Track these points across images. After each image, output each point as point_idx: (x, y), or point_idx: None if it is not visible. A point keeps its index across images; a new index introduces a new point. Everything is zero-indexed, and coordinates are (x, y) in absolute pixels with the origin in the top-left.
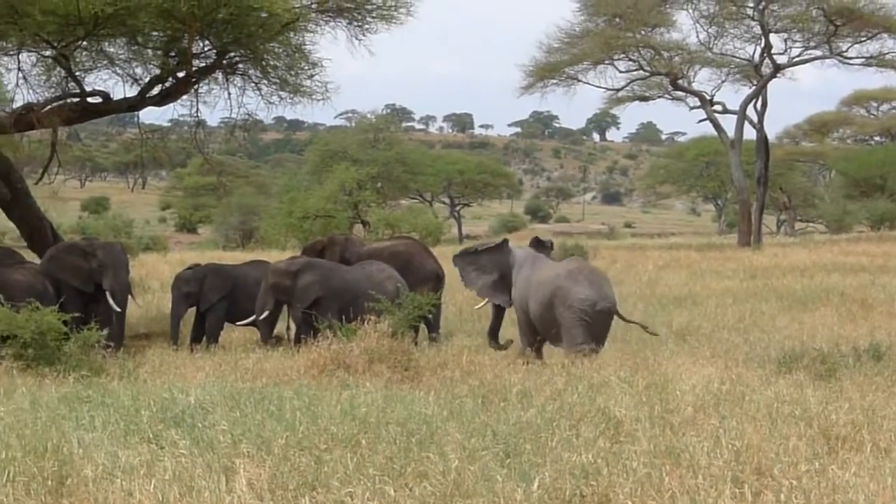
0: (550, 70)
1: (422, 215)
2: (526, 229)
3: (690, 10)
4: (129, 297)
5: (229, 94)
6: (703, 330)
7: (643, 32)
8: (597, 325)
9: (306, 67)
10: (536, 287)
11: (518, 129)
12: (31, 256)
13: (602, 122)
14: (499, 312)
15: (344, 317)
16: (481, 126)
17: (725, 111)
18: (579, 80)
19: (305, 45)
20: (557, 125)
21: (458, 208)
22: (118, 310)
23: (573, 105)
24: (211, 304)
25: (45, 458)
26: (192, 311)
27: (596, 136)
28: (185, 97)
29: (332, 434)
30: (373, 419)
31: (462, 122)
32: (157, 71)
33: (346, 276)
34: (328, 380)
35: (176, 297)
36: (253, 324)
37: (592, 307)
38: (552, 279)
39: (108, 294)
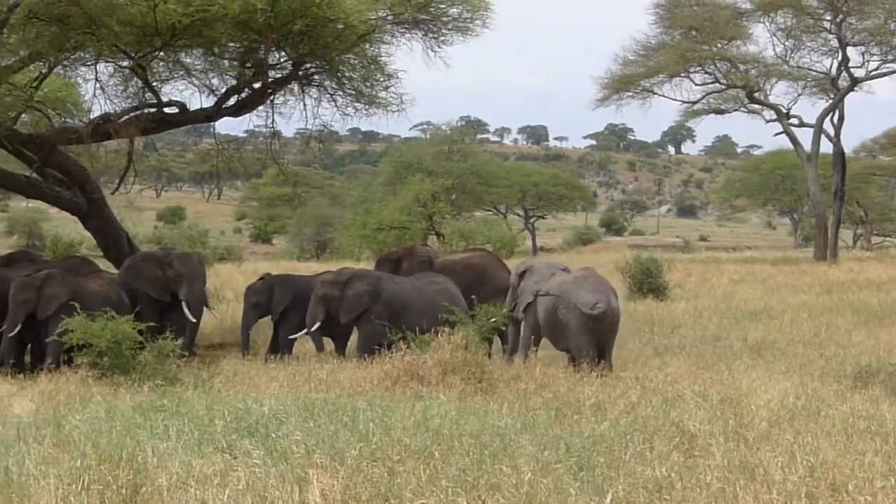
0: (626, 82)
1: (496, 227)
2: (600, 242)
3: (767, 23)
4: (205, 307)
5: (305, 105)
6: (778, 344)
7: (719, 45)
8: (600, 330)
9: (382, 79)
10: (545, 295)
11: (593, 142)
12: (106, 266)
13: (677, 134)
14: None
15: (392, 328)
16: (556, 138)
17: (802, 124)
18: (655, 93)
19: (381, 56)
20: (632, 138)
21: (532, 220)
22: (193, 320)
23: (648, 118)
24: (280, 315)
25: (119, 467)
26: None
27: (671, 149)
28: (260, 108)
29: (406, 445)
30: (446, 431)
31: (537, 134)
32: (234, 82)
33: (394, 288)
34: (402, 391)
35: (245, 307)
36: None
37: (595, 313)
38: (557, 286)
39: (183, 304)
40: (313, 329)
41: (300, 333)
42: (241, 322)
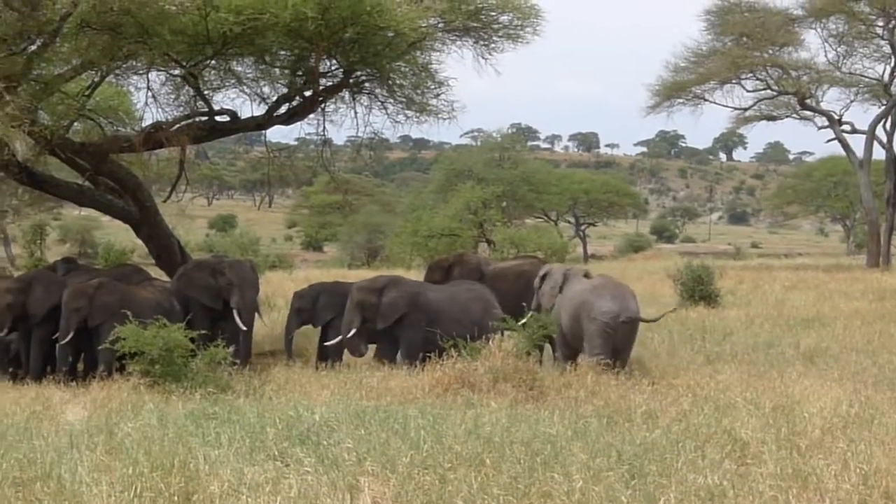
0: (677, 89)
1: (547, 234)
2: (651, 249)
3: (819, 30)
4: (256, 315)
5: (356, 112)
6: (830, 352)
7: (771, 51)
8: (619, 336)
9: (432, 86)
10: (566, 301)
11: (644, 149)
12: (158, 274)
13: (729, 141)
14: None
15: (443, 336)
16: (607, 145)
17: (854, 131)
18: (706, 100)
19: (432, 64)
20: (684, 144)
21: (583, 228)
22: (244, 328)
23: (700, 124)
24: (325, 322)
25: (171, 474)
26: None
27: (723, 156)
28: (311, 116)
29: (457, 453)
30: (497, 438)
31: (588, 141)
32: (285, 90)
33: (430, 296)
34: (453, 398)
35: (290, 312)
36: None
37: (615, 319)
38: (579, 293)
39: (234, 312)
40: (349, 336)
41: (334, 340)
42: (285, 327)
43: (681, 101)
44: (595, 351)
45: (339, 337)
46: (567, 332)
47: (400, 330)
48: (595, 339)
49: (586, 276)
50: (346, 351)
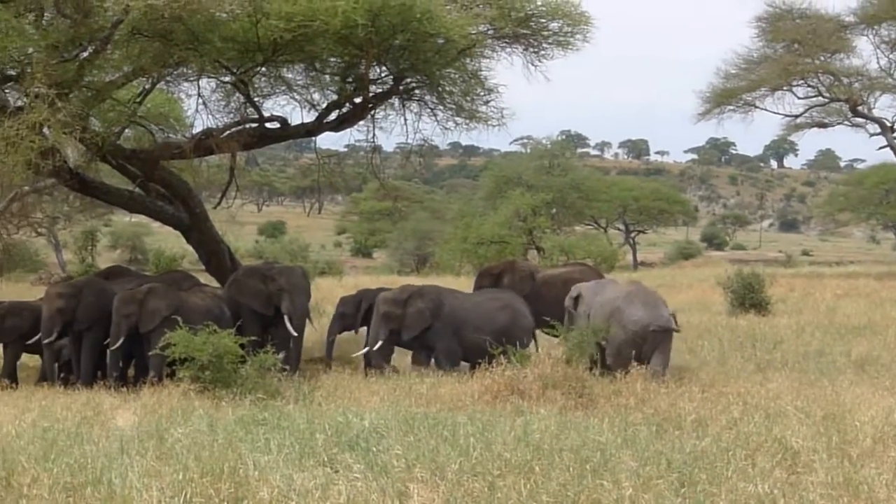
0: (728, 96)
1: (596, 242)
2: (701, 256)
3: (871, 36)
4: (307, 320)
5: (405, 119)
6: (882, 360)
7: (822, 58)
8: (651, 344)
9: (482, 93)
10: (599, 308)
11: (694, 156)
12: (208, 280)
13: (780, 148)
14: None
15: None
16: (657, 152)
17: None
18: (757, 107)
19: (481, 70)
20: (734, 151)
21: (633, 235)
22: (294, 334)
23: (750, 131)
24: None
25: (221, 480)
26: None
27: (773, 163)
28: (361, 122)
29: (506, 460)
30: (546, 446)
31: (638, 148)
32: (335, 96)
33: (455, 304)
34: (502, 406)
35: (333, 316)
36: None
37: (645, 329)
38: (611, 301)
39: (285, 318)
40: (375, 348)
41: (362, 350)
42: (327, 330)
43: (731, 107)
44: (613, 357)
45: (366, 348)
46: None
47: (433, 340)
48: (618, 346)
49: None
50: (393, 357)
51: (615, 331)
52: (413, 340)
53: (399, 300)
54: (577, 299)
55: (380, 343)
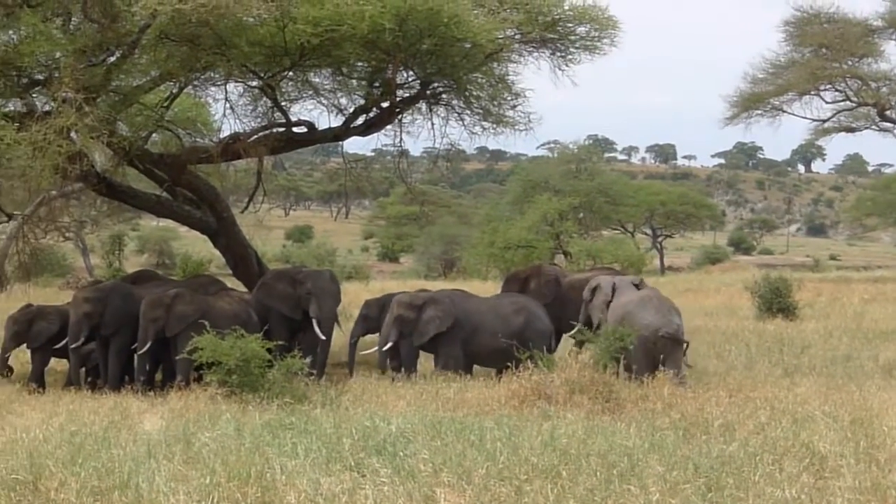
0: (755, 101)
1: (623, 246)
2: (728, 261)
3: None
4: (335, 324)
5: (432, 124)
6: None
7: (850, 63)
8: (661, 350)
9: (509, 98)
10: (613, 312)
11: (721, 160)
12: (235, 284)
13: (807, 153)
14: None
15: (466, 350)
16: (684, 157)
17: None
18: (784, 111)
19: (508, 75)
20: (762, 156)
21: (660, 239)
22: (323, 337)
23: (778, 136)
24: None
25: (248, 485)
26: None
27: (801, 168)
28: (388, 127)
29: (533, 465)
30: (573, 450)
31: (665, 152)
32: (362, 101)
33: (468, 309)
34: (529, 410)
35: (357, 319)
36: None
37: (654, 333)
38: (624, 305)
39: (314, 321)
40: (384, 349)
41: (372, 350)
42: (350, 332)
43: (759, 112)
44: (636, 365)
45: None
46: None
47: (439, 344)
48: (636, 353)
49: (636, 285)
50: (418, 361)
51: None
52: (426, 345)
53: (414, 305)
54: (594, 290)
55: (388, 345)
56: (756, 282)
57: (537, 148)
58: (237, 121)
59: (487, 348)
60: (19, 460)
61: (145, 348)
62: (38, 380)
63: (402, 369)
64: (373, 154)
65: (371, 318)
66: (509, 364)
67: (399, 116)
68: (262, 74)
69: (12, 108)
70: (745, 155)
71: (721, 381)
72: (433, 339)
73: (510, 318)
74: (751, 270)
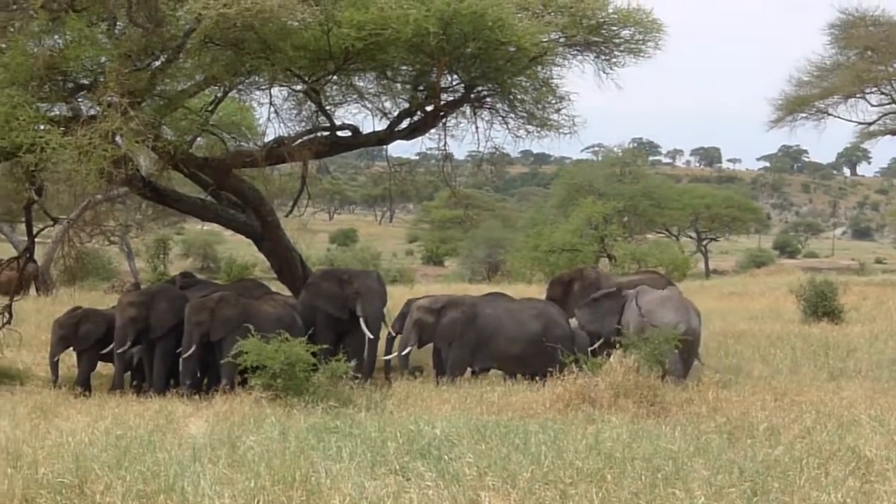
0: (800, 104)
1: (668, 250)
2: (773, 264)
3: None
4: (382, 324)
5: (477, 127)
6: None
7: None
8: (679, 348)
9: (553, 101)
10: (634, 312)
11: (766, 164)
12: (279, 288)
13: (853, 156)
14: None
15: (484, 353)
16: (729, 160)
17: None
18: (830, 114)
19: (553, 78)
20: (807, 159)
21: (704, 243)
22: (371, 336)
23: (823, 139)
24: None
25: (293, 488)
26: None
27: (846, 171)
28: (433, 131)
29: (578, 468)
30: (618, 454)
31: (709, 155)
32: (406, 105)
33: (488, 314)
34: (573, 414)
35: (396, 316)
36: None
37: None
38: (646, 304)
39: (361, 321)
40: (404, 353)
41: (392, 356)
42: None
43: (804, 115)
44: (668, 364)
45: (395, 353)
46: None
47: (451, 347)
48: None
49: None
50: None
51: (649, 334)
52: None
53: (433, 309)
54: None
55: (408, 349)
56: (801, 285)
57: (581, 151)
58: (282, 125)
59: (505, 353)
60: (65, 464)
61: (190, 352)
62: (84, 384)
63: (447, 373)
64: (417, 158)
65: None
66: (527, 370)
67: (443, 120)
68: (307, 78)
69: (58, 113)
70: (790, 158)
71: (766, 385)
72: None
73: (529, 324)
74: (796, 274)
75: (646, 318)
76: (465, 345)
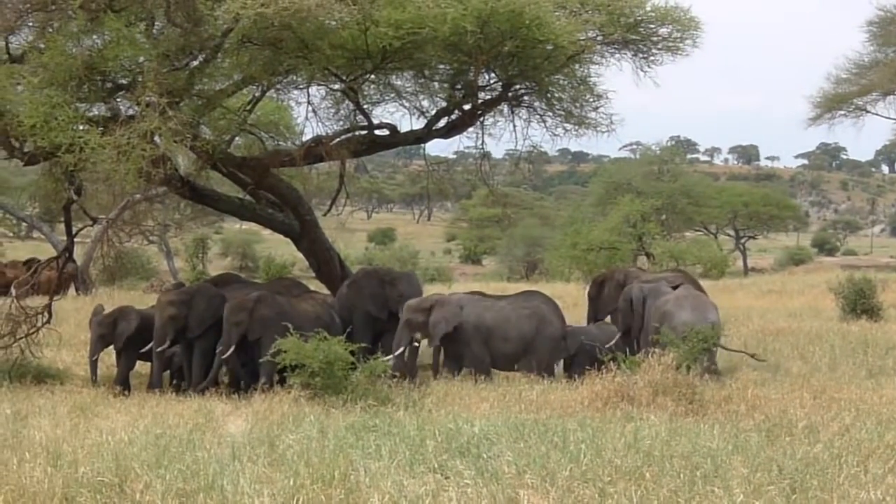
0: (838, 101)
1: (706, 247)
2: (812, 262)
3: None
4: None
5: (514, 126)
6: None
7: None
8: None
9: (591, 99)
10: (652, 311)
11: (805, 161)
12: (317, 286)
13: (891, 153)
14: None
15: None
16: (767, 158)
17: None
18: (868, 111)
19: (590, 76)
20: (845, 157)
21: (743, 241)
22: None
23: (862, 136)
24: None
25: (332, 486)
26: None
27: (885, 168)
28: (470, 129)
29: (616, 466)
30: (657, 452)
31: (748, 153)
32: (444, 103)
33: (477, 312)
34: (612, 412)
35: None
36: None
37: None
38: (662, 304)
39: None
40: (397, 354)
41: (389, 357)
42: None
43: (842, 112)
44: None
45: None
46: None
47: (461, 348)
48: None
49: (675, 287)
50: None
51: (665, 333)
52: (441, 348)
53: (422, 308)
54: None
55: (401, 350)
56: (840, 283)
57: (619, 149)
58: (319, 124)
59: (497, 351)
60: (105, 463)
61: (229, 352)
62: (123, 382)
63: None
64: (455, 156)
65: None
66: (518, 368)
67: (481, 118)
68: (345, 77)
69: (97, 113)
70: (828, 156)
71: (805, 383)
72: (447, 341)
73: (520, 323)
74: (834, 271)
75: (664, 318)
76: (472, 341)
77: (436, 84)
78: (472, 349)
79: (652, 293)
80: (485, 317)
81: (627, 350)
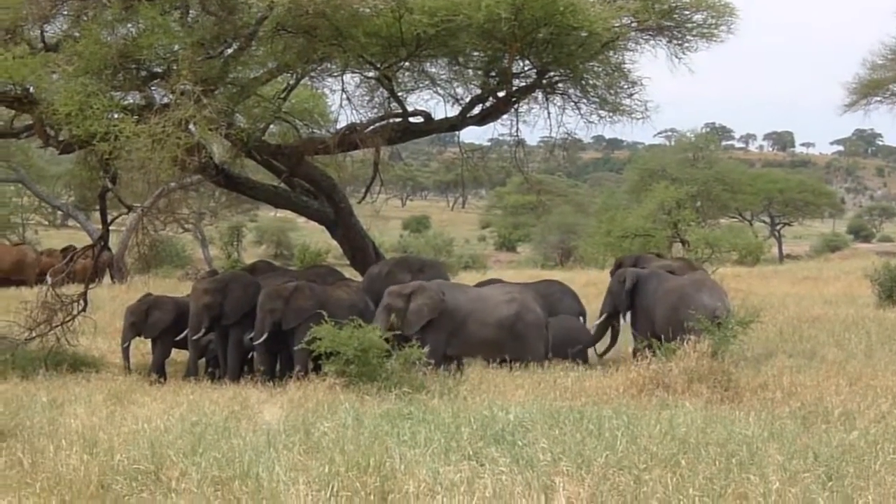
0: (874, 87)
1: (741, 234)
2: (848, 249)
3: None
4: None
5: (549, 113)
6: None
7: None
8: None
9: (626, 86)
10: (664, 295)
11: (840, 147)
12: (352, 274)
13: None
14: None
15: (455, 340)
16: (802, 144)
17: None
18: None
19: (625, 63)
20: (881, 143)
21: (778, 227)
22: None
23: None
24: None
25: (367, 474)
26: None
27: None
28: (505, 116)
29: (652, 453)
30: (692, 439)
31: (783, 140)
32: (478, 91)
33: (458, 299)
34: (647, 399)
35: None
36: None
37: (711, 314)
38: (679, 288)
39: None
40: None
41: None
42: None
43: (878, 98)
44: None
45: None
46: (660, 323)
47: (424, 333)
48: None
49: (672, 272)
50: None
51: (684, 314)
52: (416, 335)
53: (402, 294)
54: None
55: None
56: (876, 269)
57: (654, 136)
58: (354, 111)
59: (478, 338)
60: (141, 450)
61: (262, 339)
62: (158, 370)
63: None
64: (489, 144)
65: None
66: (500, 355)
67: (515, 106)
68: (379, 65)
69: (131, 101)
70: (864, 142)
71: (841, 370)
72: (424, 329)
73: (500, 309)
74: (870, 258)
75: (682, 301)
76: (438, 330)
77: (470, 71)
78: (432, 335)
79: (654, 278)
80: (465, 303)
81: (611, 331)
